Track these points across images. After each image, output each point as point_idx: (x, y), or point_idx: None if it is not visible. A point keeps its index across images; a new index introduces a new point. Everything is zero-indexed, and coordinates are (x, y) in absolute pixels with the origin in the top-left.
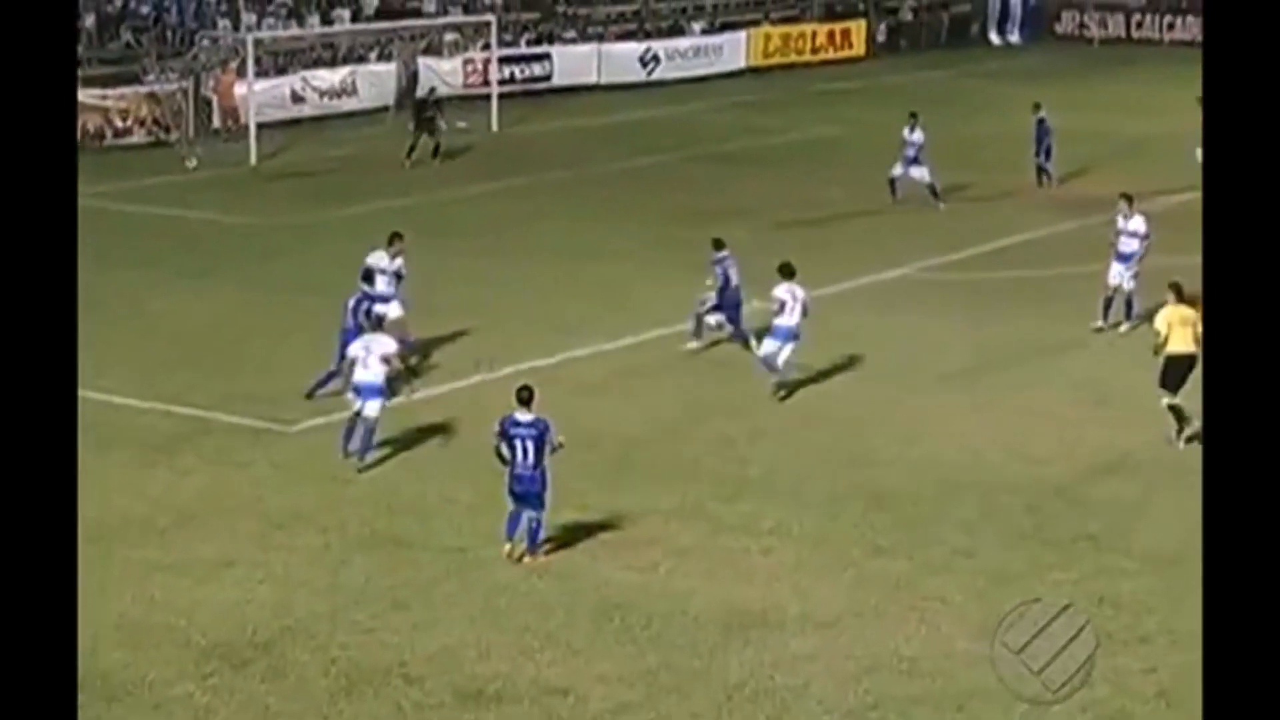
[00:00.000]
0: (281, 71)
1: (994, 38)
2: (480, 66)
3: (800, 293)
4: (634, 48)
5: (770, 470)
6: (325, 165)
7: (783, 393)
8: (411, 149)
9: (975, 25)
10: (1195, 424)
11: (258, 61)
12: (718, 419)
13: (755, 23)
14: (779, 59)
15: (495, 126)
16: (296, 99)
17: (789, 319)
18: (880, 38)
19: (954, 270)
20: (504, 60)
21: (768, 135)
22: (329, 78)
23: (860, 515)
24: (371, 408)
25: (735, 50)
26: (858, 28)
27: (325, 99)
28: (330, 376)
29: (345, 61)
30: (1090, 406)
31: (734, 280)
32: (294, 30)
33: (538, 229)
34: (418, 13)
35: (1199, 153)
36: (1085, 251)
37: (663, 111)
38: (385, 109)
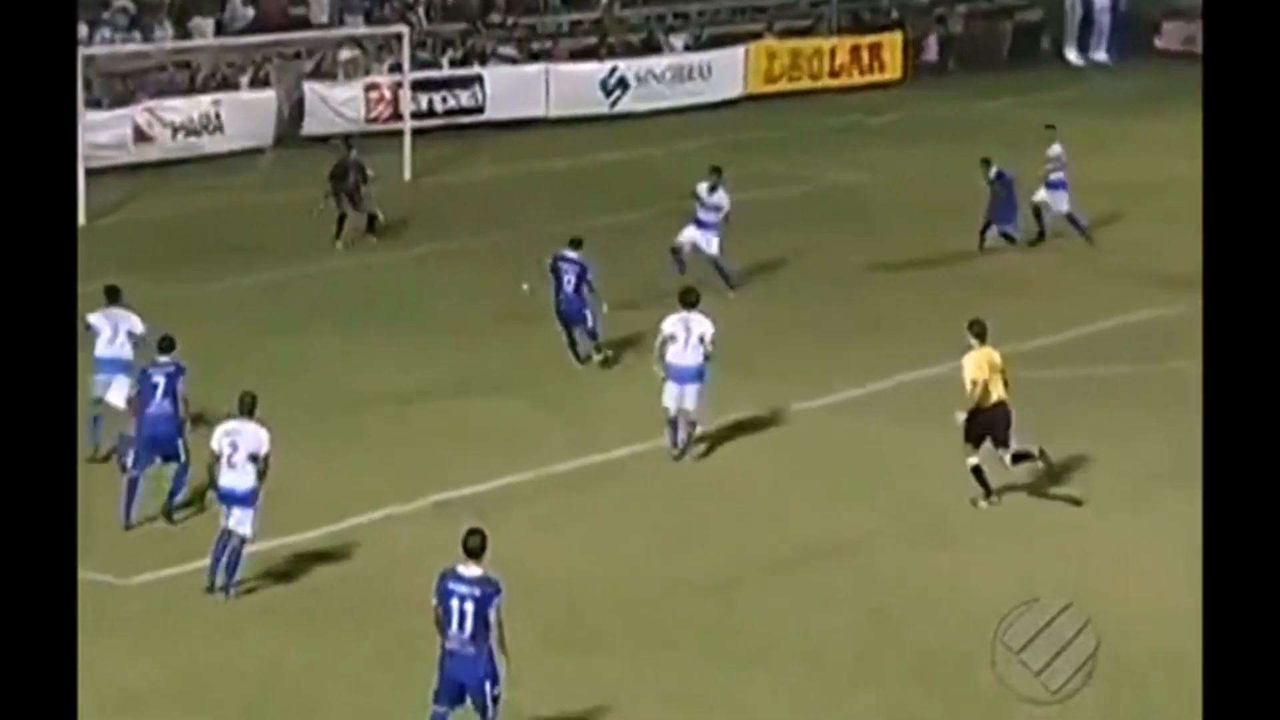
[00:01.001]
0: (121, 101)
1: (1072, 56)
2: (388, 94)
3: (699, 325)
4: (594, 69)
5: (774, 629)
6: (176, 224)
7: (700, 449)
8: (340, 228)
9: (1047, 39)
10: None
11: (88, 86)
12: (698, 554)
13: (756, 36)
14: (787, 83)
15: (407, 174)
16: (141, 137)
17: (684, 356)
18: (927, 54)
19: (1022, 365)
20: (419, 86)
21: (770, 185)
22: (185, 109)
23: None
24: (241, 521)
25: (729, 72)
26: (892, 43)
27: (180, 137)
28: (131, 488)
29: (207, 88)
30: None
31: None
32: (137, 45)
33: (457, 311)
34: (304, 23)
35: (1041, 195)
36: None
37: (631, 154)
38: (259, 151)
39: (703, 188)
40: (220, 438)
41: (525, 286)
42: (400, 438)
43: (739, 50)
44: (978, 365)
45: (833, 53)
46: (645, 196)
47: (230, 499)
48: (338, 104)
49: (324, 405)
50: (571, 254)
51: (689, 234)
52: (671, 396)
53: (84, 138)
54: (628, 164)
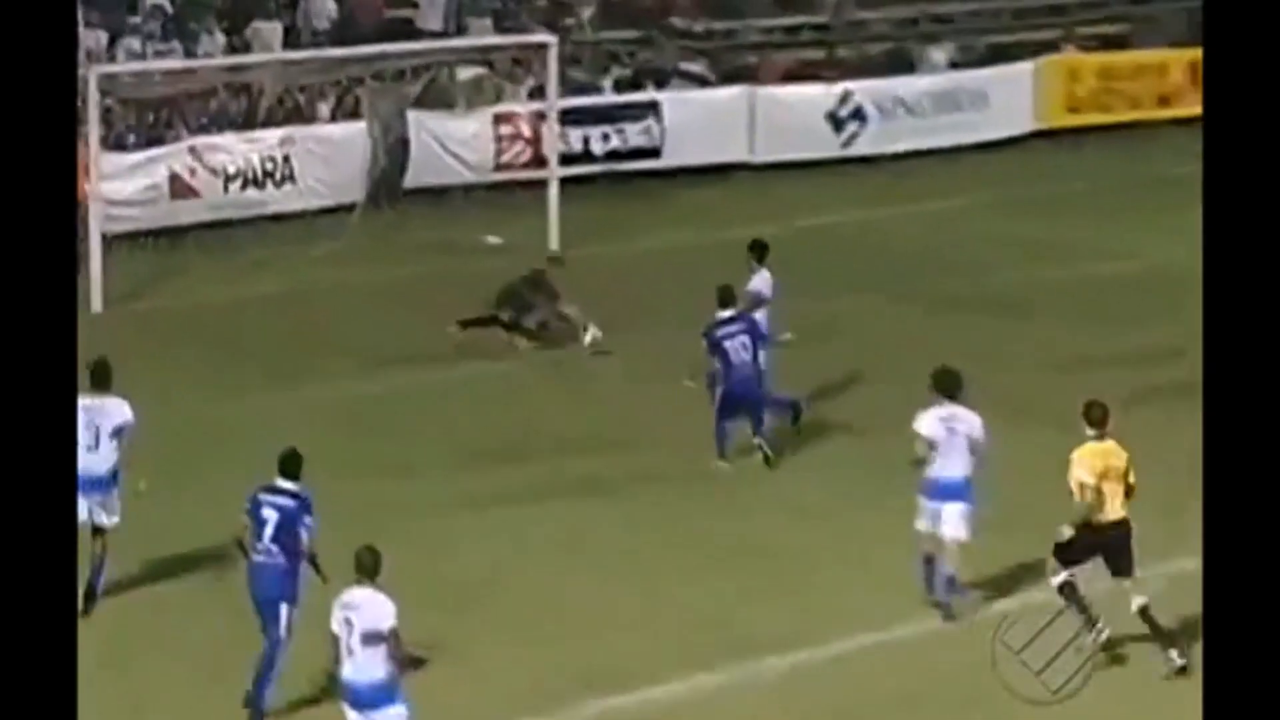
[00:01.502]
0: (153, 139)
1: None
2: (526, 129)
3: (966, 423)
4: (818, 95)
5: None
6: (228, 312)
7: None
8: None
9: None
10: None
11: (106, 120)
12: None
13: (1050, 46)
14: (1095, 114)
15: (554, 241)
16: (181, 189)
17: (947, 466)
18: None
19: None
20: (571, 118)
21: (1069, 261)
22: (242, 150)
23: None
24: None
25: (1012, 98)
26: None
27: (234, 189)
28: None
29: (273, 120)
30: None
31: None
32: (176, 61)
33: (619, 438)
34: (409, 30)
35: None
36: None
37: (869, 214)
38: (349, 209)
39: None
40: (337, 613)
41: (689, 383)
42: (551, 618)
43: (1026, 67)
44: (1090, 464)
45: (1162, 70)
46: (884, 275)
47: (356, 700)
48: (456, 143)
49: (447, 573)
50: (727, 313)
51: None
52: (928, 518)
53: (99, 191)
54: (864, 229)
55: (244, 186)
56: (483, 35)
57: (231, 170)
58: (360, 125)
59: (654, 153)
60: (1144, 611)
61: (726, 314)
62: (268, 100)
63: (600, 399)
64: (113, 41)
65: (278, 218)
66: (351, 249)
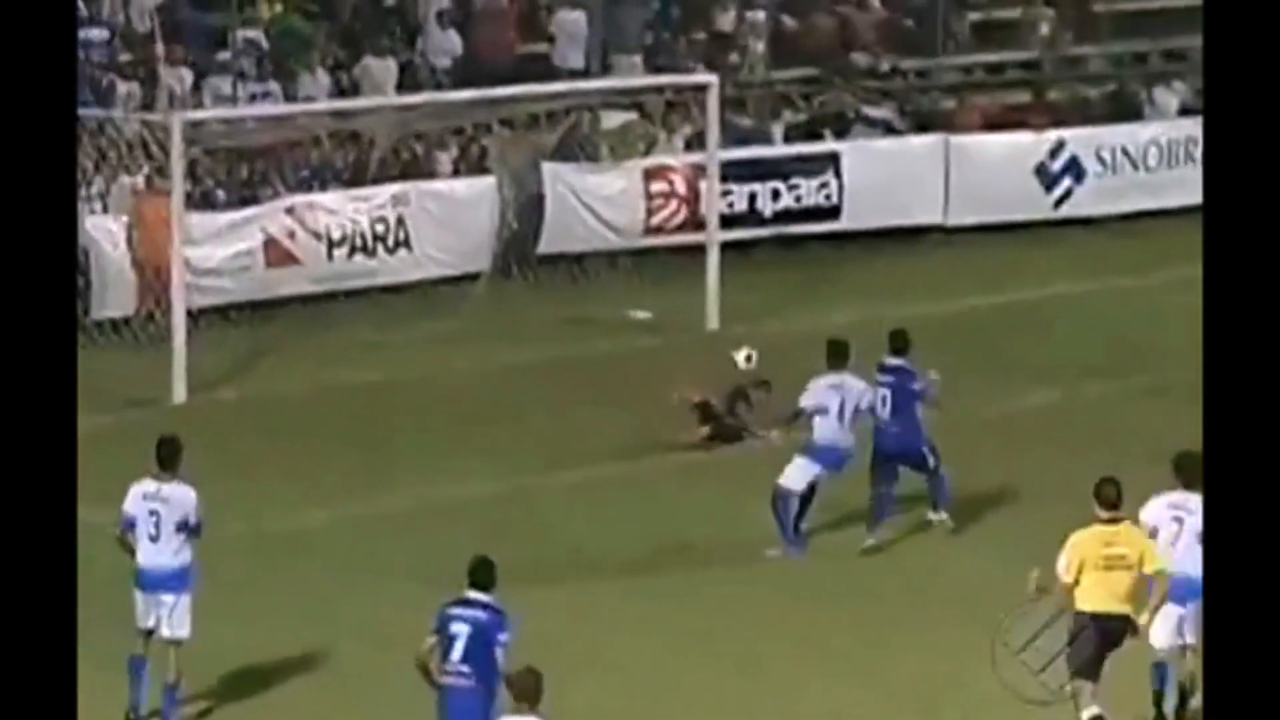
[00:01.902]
0: (246, 198)
1: None
2: (682, 185)
3: (1192, 513)
4: (1024, 145)
5: None
6: (333, 402)
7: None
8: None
9: None
10: None
11: (192, 173)
12: None
13: None
14: None
15: (713, 319)
16: (278, 256)
17: (1184, 560)
18: None
19: None
20: (734, 172)
21: None
22: (348, 210)
23: None
24: None
25: None
26: None
27: (340, 255)
28: None
29: (384, 175)
30: None
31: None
32: (272, 106)
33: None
34: (544, 69)
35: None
36: None
37: (1085, 286)
38: (473, 279)
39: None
40: None
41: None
42: None
43: None
44: (1081, 554)
45: None
46: (1104, 357)
47: None
48: (599, 202)
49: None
50: (895, 361)
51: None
52: (1172, 627)
53: (186, 257)
54: (1078, 303)
55: (351, 253)
56: (631, 75)
57: (336, 234)
58: (487, 181)
59: (832, 213)
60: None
61: (892, 359)
62: (379, 151)
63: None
64: (199, 82)
65: (389, 289)
66: (475, 326)
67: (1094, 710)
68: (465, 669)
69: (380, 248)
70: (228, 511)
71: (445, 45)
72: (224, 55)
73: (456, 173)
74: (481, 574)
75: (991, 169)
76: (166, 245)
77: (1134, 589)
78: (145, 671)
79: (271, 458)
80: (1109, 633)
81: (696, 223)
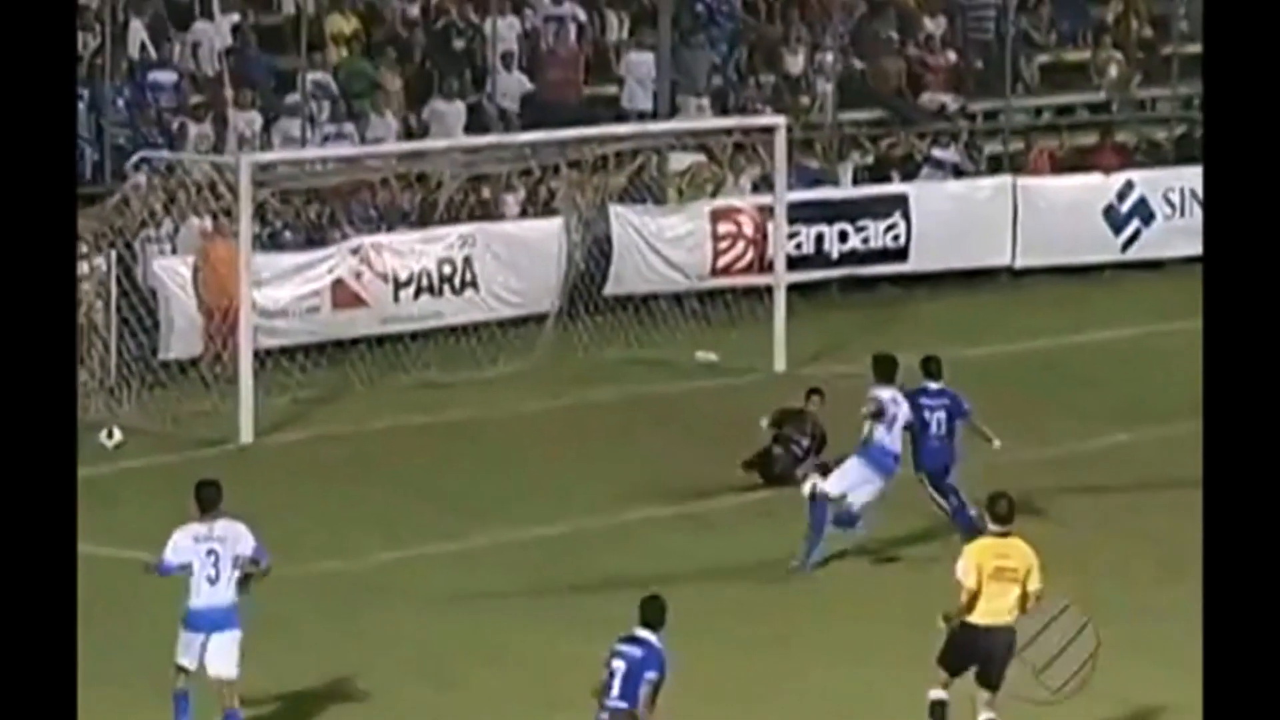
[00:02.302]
0: (315, 239)
1: None
2: (750, 227)
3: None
4: (1092, 187)
5: None
6: (403, 443)
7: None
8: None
9: None
10: None
11: (261, 214)
12: None
13: None
14: None
15: (780, 361)
16: (346, 297)
17: None
18: None
19: None
20: (802, 213)
21: None
22: (416, 251)
23: None
24: None
25: None
26: None
27: (407, 296)
28: None
29: (451, 217)
30: None
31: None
32: (341, 148)
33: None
34: (613, 111)
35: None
36: None
37: (1153, 329)
38: (540, 320)
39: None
40: None
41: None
42: None
43: None
44: (976, 561)
45: None
46: (1173, 403)
47: None
48: (666, 244)
49: None
50: (937, 385)
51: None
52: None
53: (253, 298)
54: (1145, 346)
55: (418, 294)
56: (699, 117)
57: (404, 275)
58: (554, 222)
59: (899, 255)
60: (937, 704)
61: (933, 384)
62: (447, 193)
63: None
64: (268, 125)
65: (456, 331)
66: (541, 368)
67: (941, 695)
68: (620, 705)
69: (447, 289)
70: (294, 552)
71: (513, 87)
72: (293, 98)
73: (524, 214)
74: (649, 612)
75: (1060, 211)
76: (234, 287)
77: (1018, 601)
78: (189, 701)
79: (338, 499)
80: (998, 644)
81: (763, 264)
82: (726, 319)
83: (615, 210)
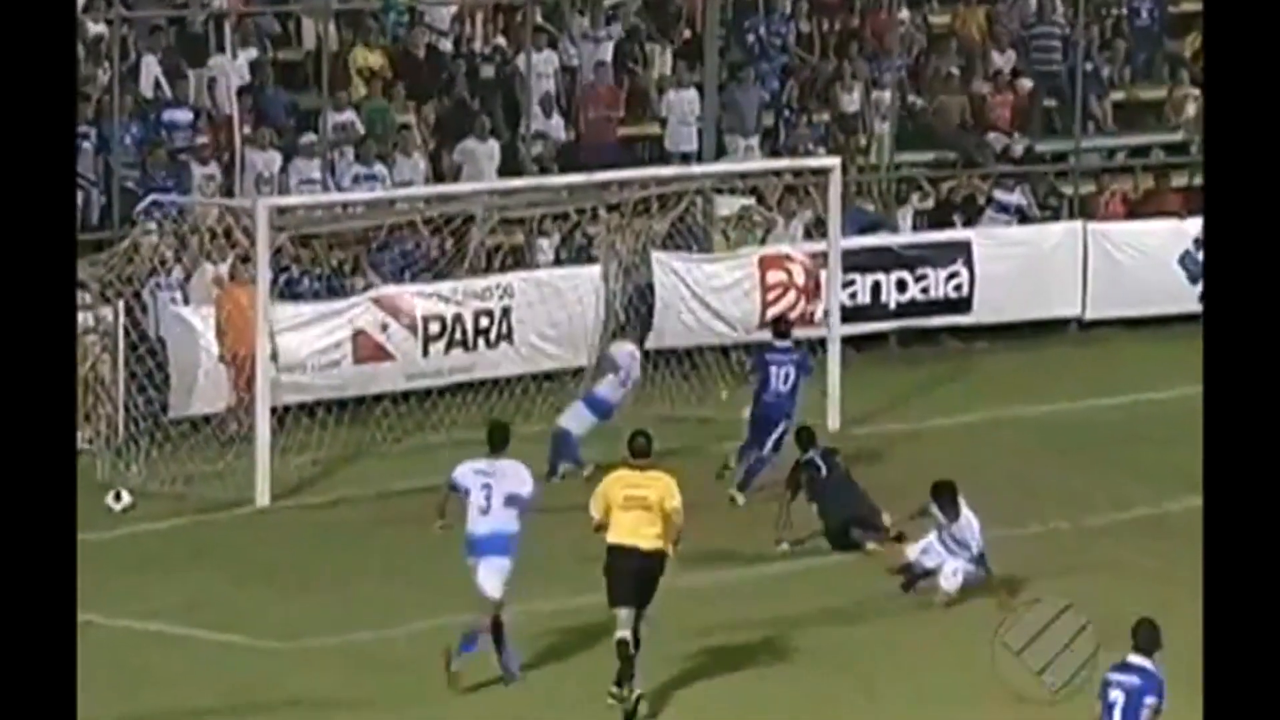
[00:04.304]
0: (336, 287)
1: None
2: (801, 275)
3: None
4: (1169, 232)
5: None
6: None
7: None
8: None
9: None
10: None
11: (278, 259)
12: None
13: None
14: None
15: (833, 419)
16: (368, 350)
17: None
18: None
19: None
20: (857, 262)
21: None
22: (443, 301)
23: None
24: None
25: None
26: None
27: (435, 350)
28: None
29: (483, 265)
30: None
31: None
32: (366, 192)
33: None
34: (656, 153)
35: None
36: None
37: None
38: (577, 374)
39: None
40: None
41: (724, 393)
42: None
43: None
44: (604, 492)
45: None
46: None
47: None
48: (712, 294)
49: None
50: (784, 343)
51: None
52: None
53: (273, 349)
54: None
55: (448, 347)
56: (747, 158)
57: (434, 327)
58: (593, 270)
59: (962, 306)
60: (622, 643)
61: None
62: (478, 239)
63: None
64: (286, 164)
65: (488, 385)
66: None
67: (623, 634)
68: None
69: (480, 341)
70: (317, 625)
71: (549, 127)
72: (313, 138)
73: (559, 261)
74: (1143, 636)
75: (1133, 258)
76: (250, 338)
77: (656, 525)
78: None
79: (362, 567)
80: (634, 565)
81: (816, 316)
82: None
83: (657, 257)
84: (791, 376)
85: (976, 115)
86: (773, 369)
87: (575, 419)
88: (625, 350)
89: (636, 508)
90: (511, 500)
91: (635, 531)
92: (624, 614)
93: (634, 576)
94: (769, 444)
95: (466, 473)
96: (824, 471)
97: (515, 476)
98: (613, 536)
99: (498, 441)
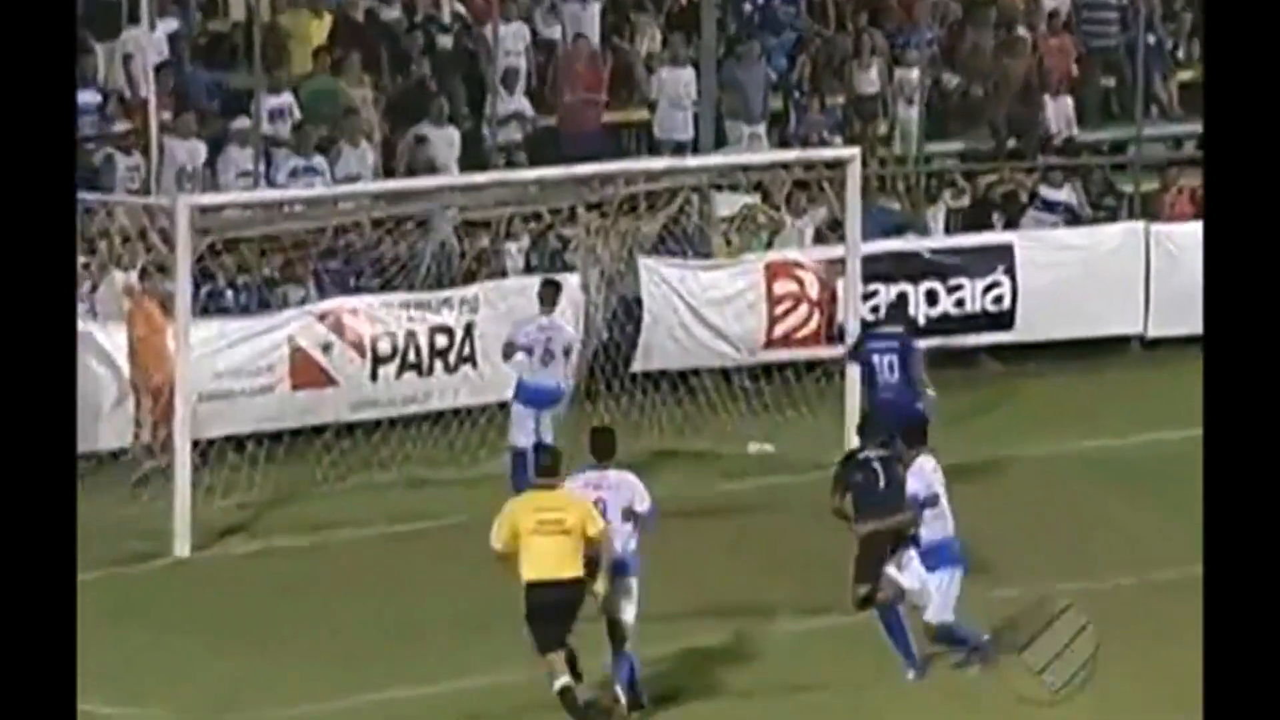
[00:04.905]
0: (269, 301)
1: None
2: (813, 286)
3: None
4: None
5: None
6: (367, 562)
7: None
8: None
9: None
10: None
11: (202, 267)
12: None
13: None
14: None
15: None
16: (307, 374)
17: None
18: None
19: None
20: (879, 269)
21: None
22: (394, 316)
23: None
24: None
25: None
26: None
27: (385, 373)
28: None
29: (442, 273)
30: None
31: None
32: (304, 189)
33: None
34: (644, 142)
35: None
36: None
37: None
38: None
39: None
40: None
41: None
42: None
43: None
44: (509, 520)
45: None
46: None
47: None
48: (711, 306)
49: None
50: (891, 329)
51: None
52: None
53: (190, 375)
54: None
55: (400, 370)
56: (752, 148)
57: (383, 347)
58: (570, 279)
59: (1003, 321)
60: (566, 691)
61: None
62: (435, 243)
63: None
64: (214, 156)
65: (446, 417)
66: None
67: (564, 680)
68: None
69: (438, 364)
70: (243, 693)
71: (519, 111)
72: (243, 124)
73: (530, 269)
74: None
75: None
76: (167, 361)
77: (577, 553)
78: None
79: (296, 626)
80: (560, 599)
81: (832, 333)
82: (786, 401)
83: (646, 265)
84: (896, 364)
85: (1020, 98)
86: (875, 358)
87: (519, 428)
88: (525, 327)
89: (554, 533)
90: (627, 516)
91: (555, 563)
92: (558, 659)
93: (564, 613)
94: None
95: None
96: (880, 480)
97: (631, 487)
98: (531, 572)
99: (604, 450)
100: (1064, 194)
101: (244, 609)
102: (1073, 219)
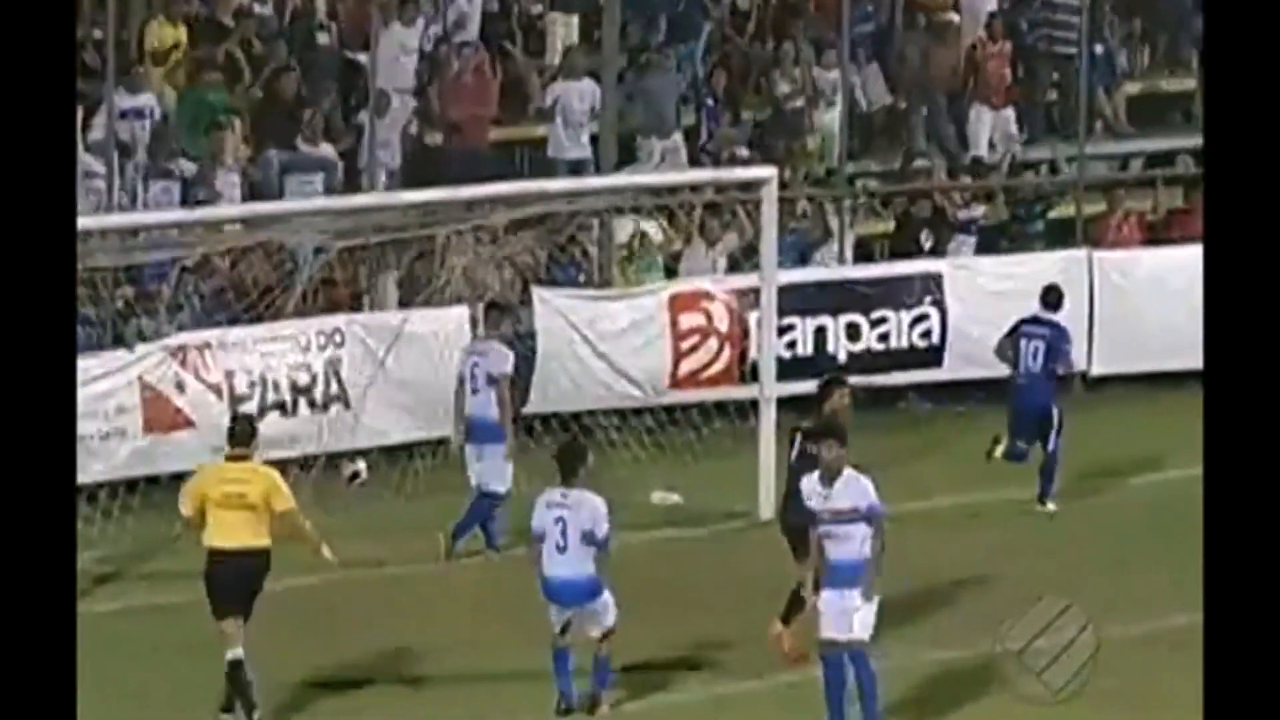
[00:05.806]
0: (120, 335)
1: None
2: (723, 320)
3: None
4: (1197, 263)
5: None
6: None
7: None
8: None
9: None
10: None
11: (86, 281)
12: None
13: None
14: None
15: (768, 506)
16: (161, 416)
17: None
18: None
19: None
20: (794, 301)
21: None
22: (261, 352)
23: None
24: None
25: None
26: None
27: (263, 411)
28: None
29: (310, 305)
30: None
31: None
32: (158, 212)
33: None
34: (537, 161)
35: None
36: None
37: None
38: (434, 446)
39: None
40: None
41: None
42: None
43: None
44: (192, 488)
45: None
46: None
47: None
48: (609, 342)
49: None
50: (1048, 315)
51: None
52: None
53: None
54: None
55: (263, 410)
56: (655, 167)
57: (244, 385)
58: (455, 312)
59: (931, 357)
60: (235, 664)
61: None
62: (306, 273)
63: None
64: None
65: (314, 462)
66: (431, 513)
67: (237, 653)
68: None
69: (303, 404)
70: None
71: (398, 125)
72: (95, 135)
73: (406, 302)
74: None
75: (1151, 298)
76: None
77: (263, 526)
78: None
79: (164, 694)
80: (240, 569)
81: (744, 371)
82: (693, 446)
83: (539, 296)
84: (1041, 352)
85: (951, 108)
86: (1023, 342)
87: (470, 468)
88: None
89: (237, 506)
90: (588, 539)
91: (235, 534)
92: (232, 626)
93: (241, 582)
94: (1033, 437)
95: (539, 509)
96: None
97: (592, 509)
98: (212, 539)
99: (569, 468)
100: (978, 212)
101: (105, 673)
102: (1010, 244)
